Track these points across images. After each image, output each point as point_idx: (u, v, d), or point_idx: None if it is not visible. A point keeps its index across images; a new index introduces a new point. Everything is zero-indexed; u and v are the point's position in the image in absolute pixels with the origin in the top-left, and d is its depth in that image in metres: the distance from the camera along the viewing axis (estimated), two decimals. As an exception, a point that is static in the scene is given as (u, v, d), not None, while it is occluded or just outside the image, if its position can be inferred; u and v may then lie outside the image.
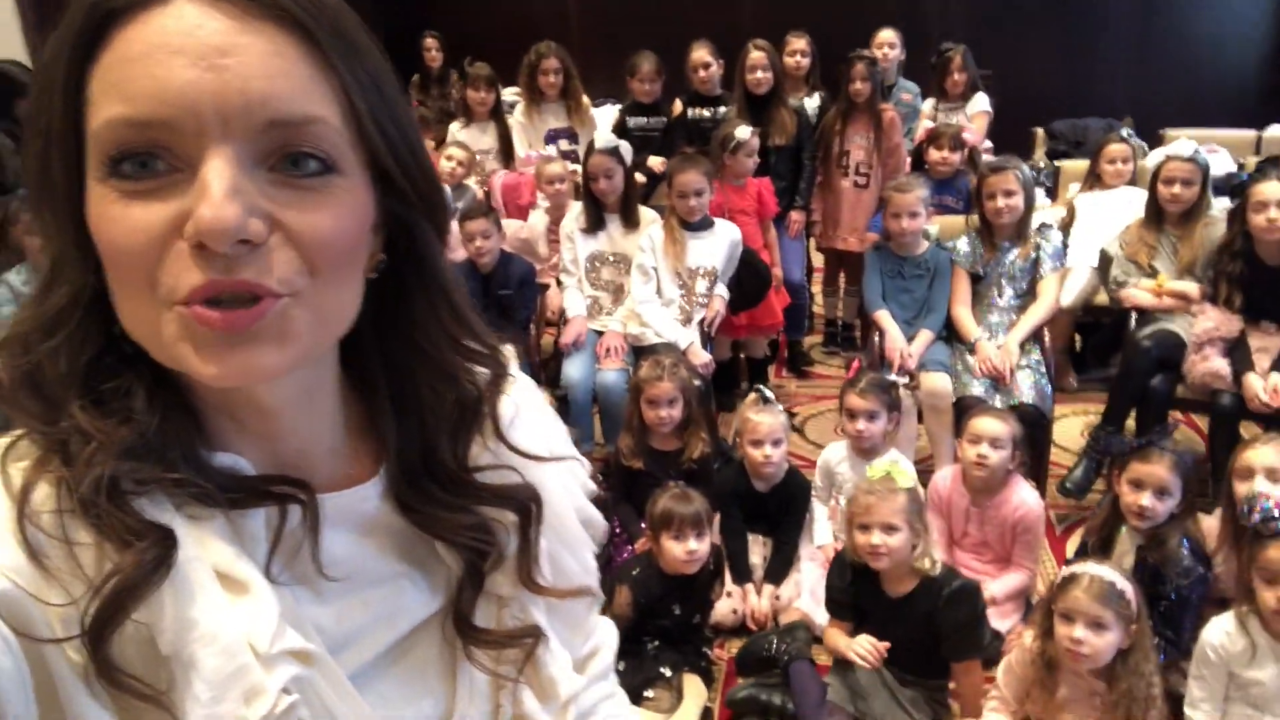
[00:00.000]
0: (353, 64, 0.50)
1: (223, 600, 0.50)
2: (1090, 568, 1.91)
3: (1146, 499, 2.19)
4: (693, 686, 2.25)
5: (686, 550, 2.26)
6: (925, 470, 2.82)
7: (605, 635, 0.79)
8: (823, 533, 2.69)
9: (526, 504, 0.62)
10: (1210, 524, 2.27)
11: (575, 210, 3.47)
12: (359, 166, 0.51)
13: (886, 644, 2.08)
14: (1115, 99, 5.33)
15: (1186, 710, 1.94)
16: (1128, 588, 1.87)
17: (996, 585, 2.45)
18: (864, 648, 2.09)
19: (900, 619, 2.08)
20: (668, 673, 2.24)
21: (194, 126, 0.45)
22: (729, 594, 2.57)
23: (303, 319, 0.49)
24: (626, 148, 3.43)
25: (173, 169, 0.46)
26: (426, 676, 0.61)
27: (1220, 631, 1.90)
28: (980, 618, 2.12)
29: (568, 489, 0.70)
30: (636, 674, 2.22)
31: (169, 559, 0.48)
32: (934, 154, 3.90)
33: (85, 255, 0.48)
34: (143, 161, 0.46)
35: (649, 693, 2.21)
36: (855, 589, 2.17)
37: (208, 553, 0.50)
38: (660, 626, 2.31)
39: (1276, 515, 1.79)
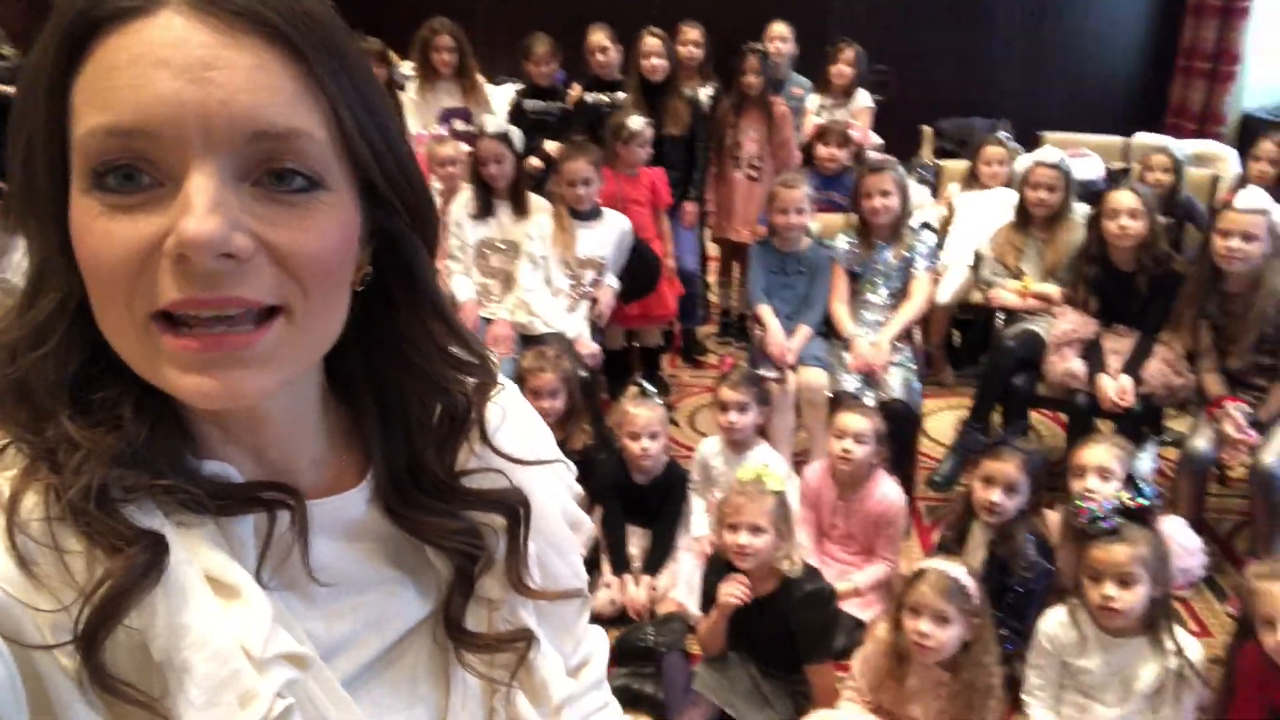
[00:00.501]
0: (340, 78, 0.50)
1: (214, 605, 0.49)
2: (936, 564, 2.01)
3: (996, 495, 2.31)
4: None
5: None
6: (803, 463, 2.90)
7: (597, 644, 0.80)
8: (699, 525, 2.75)
9: (515, 508, 0.63)
10: (1055, 518, 2.40)
11: (464, 196, 3.43)
12: (345, 181, 0.50)
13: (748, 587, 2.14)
14: (1002, 100, 5.52)
15: (1024, 696, 2.06)
16: (970, 583, 1.98)
17: (860, 576, 2.55)
18: (730, 590, 2.14)
19: (762, 616, 2.15)
20: None
21: (176, 138, 0.45)
22: (607, 585, 2.61)
23: (291, 342, 0.49)
24: (517, 134, 3.40)
25: (156, 183, 0.46)
26: (419, 681, 0.61)
27: (1054, 623, 2.02)
28: (831, 621, 2.21)
29: (554, 492, 0.70)
30: None
31: (160, 563, 0.48)
32: (822, 150, 3.98)
33: (71, 262, 0.48)
34: (126, 174, 0.45)
35: None
36: (724, 585, 2.23)
37: (198, 558, 0.50)
38: None
39: (1100, 516, 1.90)
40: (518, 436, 0.67)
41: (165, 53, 0.45)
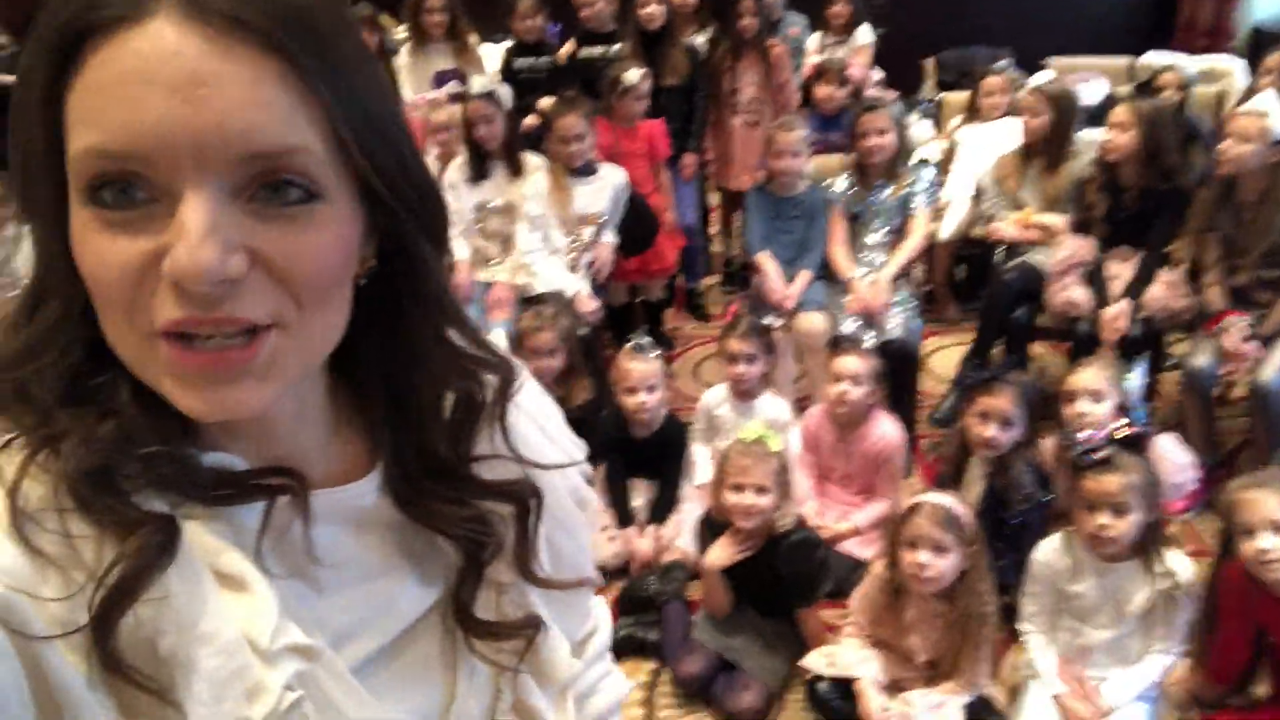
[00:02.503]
0: (339, 87, 0.48)
1: (220, 598, 0.49)
2: (929, 497, 2.03)
3: (991, 430, 2.31)
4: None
5: None
6: (805, 408, 2.92)
7: (601, 616, 0.81)
8: (704, 472, 2.78)
9: (525, 499, 0.63)
10: (1049, 444, 2.41)
11: (458, 160, 3.43)
12: (344, 188, 0.50)
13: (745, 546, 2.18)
14: (1004, 28, 5.39)
15: (1019, 625, 2.09)
16: (964, 513, 2.00)
17: (860, 515, 2.58)
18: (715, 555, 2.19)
19: (755, 568, 2.19)
20: None
21: (169, 161, 0.44)
22: (612, 539, 2.65)
23: (289, 352, 0.49)
24: (506, 92, 3.39)
25: (151, 199, 0.45)
26: (428, 668, 0.61)
27: (1048, 550, 2.04)
28: (817, 567, 2.24)
29: (564, 473, 0.70)
30: None
31: (173, 543, 0.48)
32: (820, 90, 3.93)
33: (73, 267, 0.48)
34: (122, 188, 0.45)
35: None
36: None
37: (203, 550, 0.50)
38: None
39: (1093, 446, 1.91)
40: (535, 427, 0.68)
41: (155, 68, 0.44)
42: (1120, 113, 2.81)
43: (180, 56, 0.44)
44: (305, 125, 0.47)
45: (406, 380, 0.59)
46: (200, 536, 0.50)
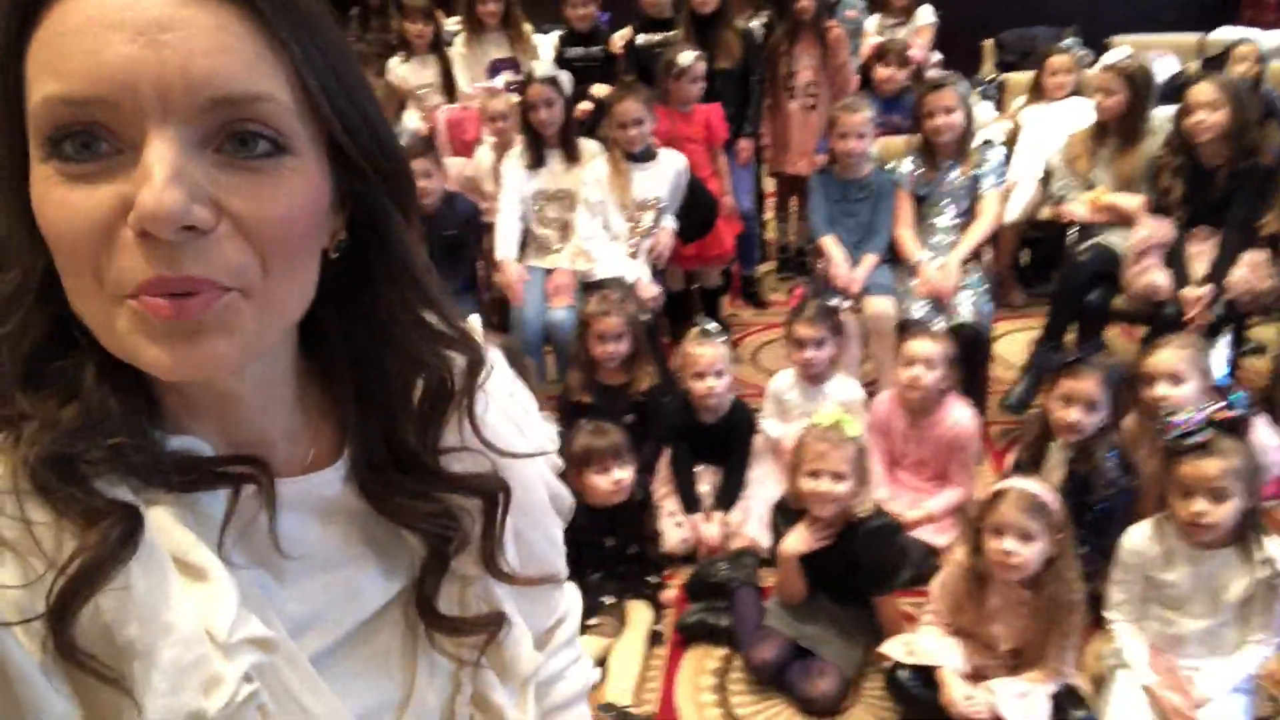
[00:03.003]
0: (303, 38, 0.48)
1: (180, 588, 0.49)
2: (1015, 482, 1.98)
3: (1075, 414, 2.25)
4: (638, 613, 2.33)
5: (613, 481, 2.32)
6: (871, 393, 2.87)
7: (571, 602, 0.80)
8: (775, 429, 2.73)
9: (494, 493, 0.62)
10: (1132, 427, 2.34)
11: (516, 149, 3.42)
12: (312, 146, 0.49)
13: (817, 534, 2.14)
14: (1065, 6, 5.26)
15: (1107, 613, 2.03)
16: (1051, 499, 1.95)
17: (934, 502, 2.53)
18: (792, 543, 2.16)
19: (831, 555, 2.15)
20: (609, 600, 2.31)
21: (132, 105, 0.43)
22: (679, 524, 2.63)
23: (250, 311, 0.47)
24: (566, 78, 3.38)
25: (115, 150, 0.44)
26: (389, 659, 0.61)
27: (1139, 537, 1.98)
28: (896, 555, 2.20)
29: (535, 465, 0.69)
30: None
31: (136, 535, 0.47)
32: (881, 71, 3.87)
33: (34, 235, 0.46)
34: (84, 142, 0.44)
35: (592, 620, 2.29)
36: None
37: (166, 538, 0.49)
38: (597, 558, 2.37)
39: (1189, 430, 1.84)
40: (505, 416, 0.66)
41: (119, 14, 0.43)
42: (1207, 90, 2.72)
43: (143, 3, 0.43)
44: (271, 74, 0.46)
45: (378, 362, 0.58)
46: (163, 522, 0.49)
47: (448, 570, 0.61)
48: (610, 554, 2.40)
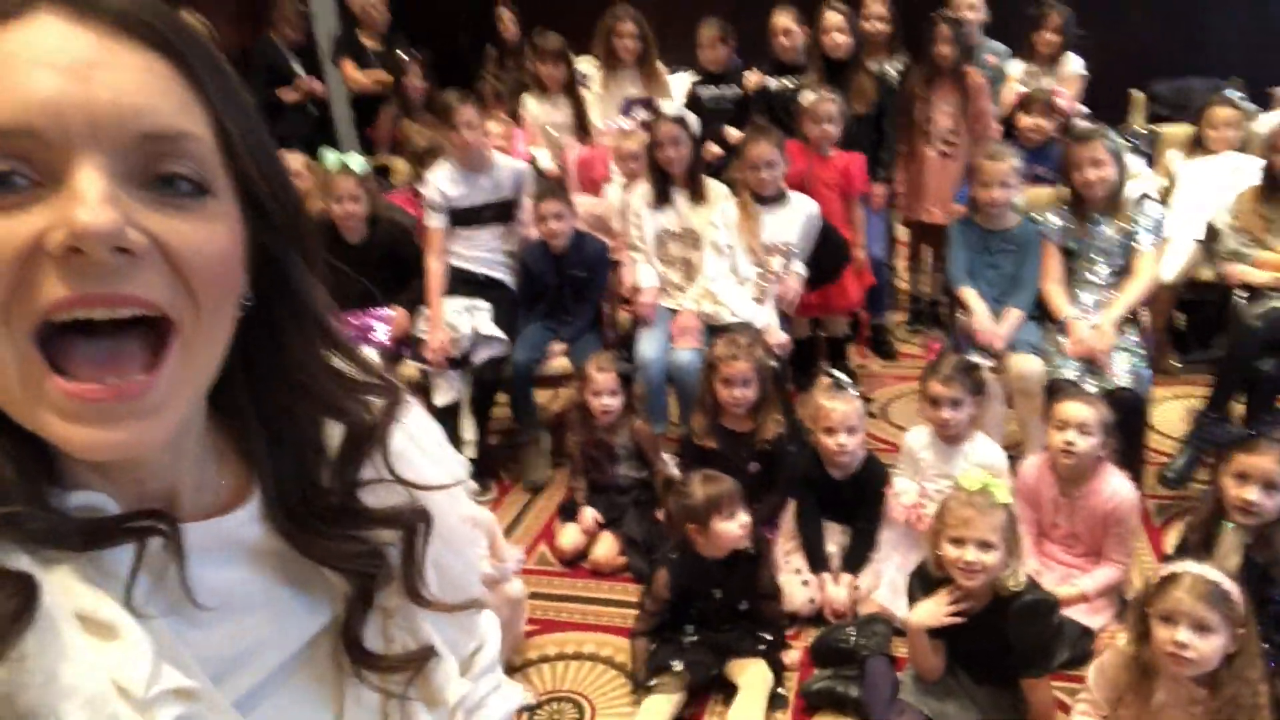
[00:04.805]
0: (222, 87, 0.50)
1: (86, 648, 0.47)
2: (1192, 566, 1.79)
3: (1253, 494, 2.05)
4: (755, 672, 2.22)
5: (740, 524, 2.24)
6: (1014, 456, 2.70)
7: (489, 629, 0.79)
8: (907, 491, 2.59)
9: (413, 524, 0.62)
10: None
11: (641, 187, 3.41)
12: (229, 191, 0.50)
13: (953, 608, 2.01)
14: (1225, 57, 4.97)
15: (1294, 720, 1.82)
16: (1233, 588, 1.76)
17: (1087, 580, 2.34)
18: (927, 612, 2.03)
19: (977, 630, 2.00)
20: (677, 666, 2.23)
21: (61, 135, 0.43)
22: (805, 583, 2.51)
23: (184, 375, 0.48)
24: (694, 119, 3.35)
25: (33, 183, 0.43)
26: (317, 695, 0.60)
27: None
28: (1053, 634, 2.04)
29: (450, 494, 0.68)
30: (656, 659, 2.25)
31: (31, 608, 0.45)
32: (1025, 120, 3.73)
33: None
34: (1, 177, 0.43)
35: (653, 680, 2.22)
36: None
37: (68, 598, 0.47)
38: (701, 610, 2.29)
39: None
40: (416, 449, 0.66)
41: (44, 54, 0.43)
42: None
43: (71, 43, 0.44)
44: (195, 117, 0.48)
45: (287, 409, 0.58)
46: (66, 582, 0.47)
47: (372, 606, 0.61)
48: (717, 608, 2.30)
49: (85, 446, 0.46)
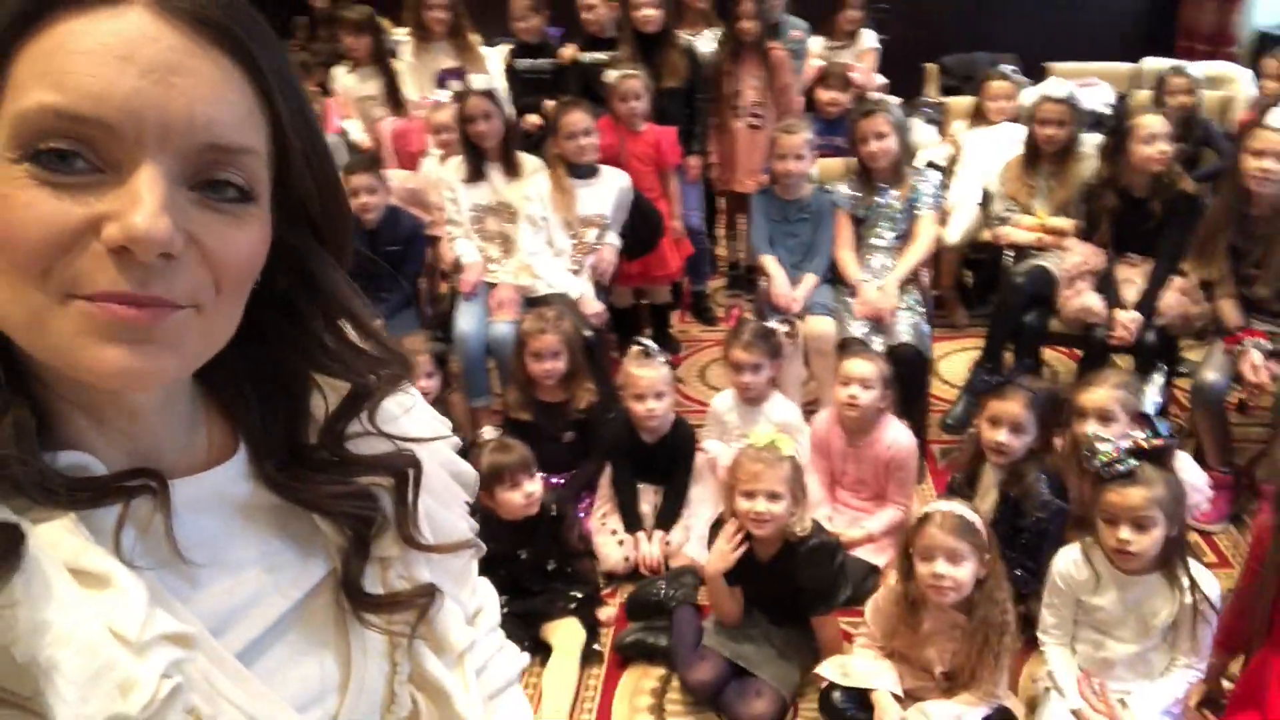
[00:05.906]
0: (290, 98, 0.52)
1: (77, 596, 0.47)
2: (940, 505, 1.99)
3: (1002, 435, 2.28)
4: (568, 631, 2.30)
5: (524, 494, 2.32)
6: (813, 412, 2.88)
7: (487, 593, 0.81)
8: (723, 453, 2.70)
9: (403, 469, 0.64)
10: (1065, 450, 2.37)
11: (454, 161, 3.39)
12: (269, 195, 0.52)
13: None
14: (1006, 33, 5.37)
15: (1039, 635, 2.05)
16: (977, 520, 1.96)
17: (873, 521, 2.54)
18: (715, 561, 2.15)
19: (769, 576, 2.15)
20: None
21: (133, 134, 0.45)
22: (620, 543, 2.61)
23: (197, 331, 0.50)
24: (504, 92, 3.35)
25: (94, 168, 0.45)
26: (321, 644, 0.61)
27: (1067, 561, 2.00)
28: (837, 573, 2.19)
29: (434, 448, 0.71)
30: None
31: (17, 552, 0.46)
32: (823, 94, 3.91)
33: None
34: (62, 154, 0.45)
35: None
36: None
37: (58, 549, 0.48)
38: (511, 572, 2.34)
39: (1115, 459, 1.86)
40: (398, 407, 0.68)
41: (131, 49, 0.45)
42: (1156, 123, 2.80)
43: (158, 43, 0.46)
44: (257, 129, 0.50)
45: (291, 375, 0.60)
46: (54, 536, 0.49)
47: (369, 556, 0.62)
48: (525, 568, 2.37)
49: (114, 372, 0.47)
